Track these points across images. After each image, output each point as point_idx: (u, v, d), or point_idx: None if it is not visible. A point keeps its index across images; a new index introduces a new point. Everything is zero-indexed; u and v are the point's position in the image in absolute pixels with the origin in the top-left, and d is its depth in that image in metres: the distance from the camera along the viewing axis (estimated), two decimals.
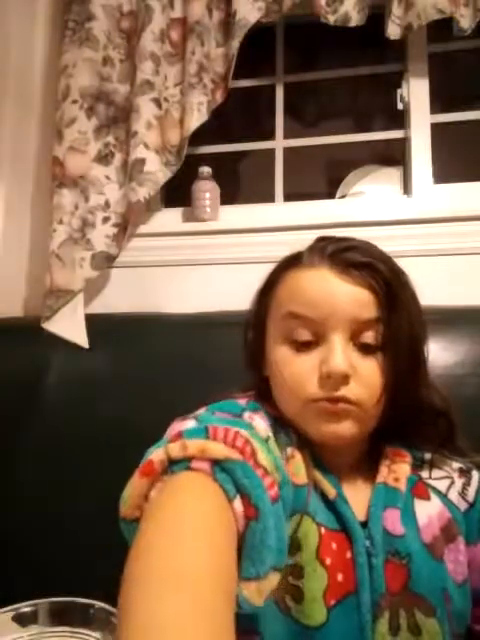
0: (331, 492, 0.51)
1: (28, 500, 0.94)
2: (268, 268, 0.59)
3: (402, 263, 0.54)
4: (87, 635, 0.45)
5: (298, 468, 0.50)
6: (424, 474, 0.56)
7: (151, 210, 1.26)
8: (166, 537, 0.33)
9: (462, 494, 0.56)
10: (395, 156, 1.32)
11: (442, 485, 0.56)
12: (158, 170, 1.12)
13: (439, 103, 1.24)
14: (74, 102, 1.13)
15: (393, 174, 1.33)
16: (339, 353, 0.49)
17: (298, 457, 0.51)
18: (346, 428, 0.50)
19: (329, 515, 0.51)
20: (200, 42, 1.14)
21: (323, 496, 0.52)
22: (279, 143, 1.32)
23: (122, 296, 1.19)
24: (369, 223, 1.10)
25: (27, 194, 1.28)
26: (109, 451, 0.92)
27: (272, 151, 1.32)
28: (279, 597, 0.47)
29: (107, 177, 1.15)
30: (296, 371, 0.51)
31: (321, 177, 1.45)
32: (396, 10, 1.09)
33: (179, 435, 0.42)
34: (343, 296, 0.50)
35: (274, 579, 0.38)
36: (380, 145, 1.35)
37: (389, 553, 0.50)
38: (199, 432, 0.42)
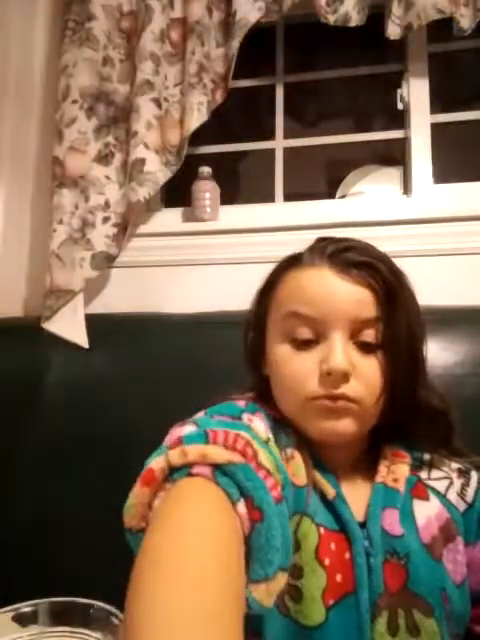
0: (330, 492, 0.51)
1: (28, 500, 0.94)
2: (268, 268, 0.59)
3: (402, 263, 0.55)
4: (87, 635, 0.45)
5: (298, 469, 0.51)
6: (423, 474, 0.56)
7: (151, 210, 1.26)
8: (172, 544, 0.33)
9: (461, 495, 0.56)
10: (395, 156, 1.32)
11: (441, 485, 0.56)
12: (158, 170, 1.12)
13: (439, 103, 1.24)
14: (74, 102, 1.13)
15: (393, 174, 1.33)
16: (339, 351, 0.49)
17: (298, 457, 0.51)
18: (346, 426, 0.50)
19: (328, 515, 0.51)
20: (200, 42, 1.14)
21: (322, 496, 0.52)
22: (279, 143, 1.32)
23: (122, 296, 1.19)
24: (369, 223, 1.11)
25: (27, 194, 1.28)
26: (109, 451, 0.92)
27: (272, 151, 1.32)
28: (278, 597, 0.47)
29: (107, 177, 1.15)
30: (296, 369, 0.51)
31: (321, 177, 1.45)
32: (396, 10, 1.09)
33: (179, 441, 0.42)
34: (343, 295, 0.51)
35: (282, 579, 0.39)
36: (380, 145, 1.35)
37: (388, 553, 0.50)
38: (199, 437, 0.42)
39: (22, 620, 0.46)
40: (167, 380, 0.95)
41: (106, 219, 1.12)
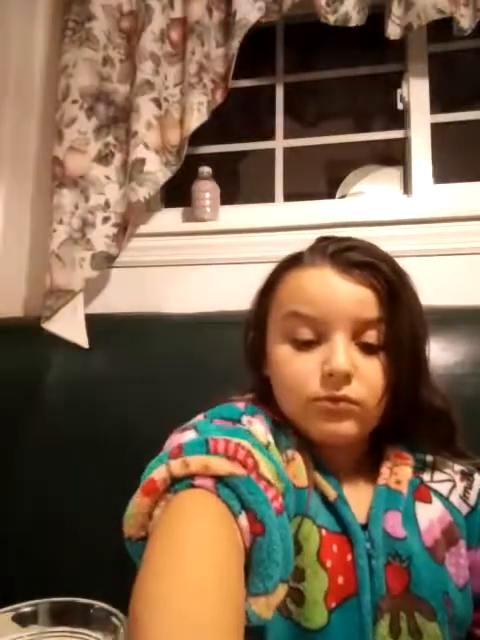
0: (332, 494, 0.51)
1: (28, 500, 0.94)
2: (268, 268, 0.59)
3: (402, 263, 0.54)
4: (87, 635, 0.44)
5: (299, 470, 0.50)
6: (426, 477, 0.56)
7: (151, 210, 1.26)
8: (173, 558, 0.33)
9: (464, 497, 0.56)
10: (395, 156, 1.32)
11: (444, 488, 0.56)
12: (158, 170, 1.12)
13: (439, 103, 1.24)
14: (74, 102, 1.13)
15: (393, 174, 1.33)
16: (341, 352, 0.49)
17: (298, 459, 0.51)
18: (347, 428, 0.50)
19: (330, 517, 0.50)
20: (200, 42, 1.14)
21: (324, 498, 0.51)
22: (279, 143, 1.32)
23: (122, 296, 1.19)
24: (369, 223, 1.10)
25: (27, 194, 1.27)
26: (109, 451, 0.92)
27: (272, 151, 1.32)
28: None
29: (107, 177, 1.14)
30: (297, 369, 0.51)
31: (321, 177, 1.45)
32: (396, 10, 1.09)
33: (179, 449, 0.41)
34: (345, 295, 0.50)
35: (282, 591, 0.38)
36: (380, 145, 1.35)
37: (389, 555, 0.49)
38: (199, 446, 0.41)
39: (22, 620, 0.46)
40: (167, 380, 0.95)
41: (106, 219, 1.12)
